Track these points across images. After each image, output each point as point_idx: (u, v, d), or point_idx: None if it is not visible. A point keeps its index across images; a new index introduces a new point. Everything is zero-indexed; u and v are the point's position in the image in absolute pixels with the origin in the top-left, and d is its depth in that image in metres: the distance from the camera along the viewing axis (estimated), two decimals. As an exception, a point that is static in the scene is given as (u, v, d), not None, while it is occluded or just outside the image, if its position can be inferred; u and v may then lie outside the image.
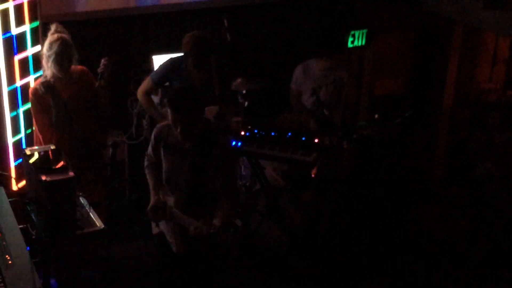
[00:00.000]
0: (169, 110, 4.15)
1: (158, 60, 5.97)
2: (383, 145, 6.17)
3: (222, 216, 4.20)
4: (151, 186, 4.45)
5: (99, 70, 4.99)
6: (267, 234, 5.99)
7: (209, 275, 4.52)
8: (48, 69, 4.83)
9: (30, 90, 4.89)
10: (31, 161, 4.14)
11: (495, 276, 5.60)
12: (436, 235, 6.27)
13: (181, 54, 5.50)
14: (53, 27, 4.86)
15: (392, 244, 5.95)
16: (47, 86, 4.84)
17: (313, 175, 5.82)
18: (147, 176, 4.52)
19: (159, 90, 5.82)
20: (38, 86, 4.85)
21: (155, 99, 5.92)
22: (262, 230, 5.95)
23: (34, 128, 5.03)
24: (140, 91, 5.56)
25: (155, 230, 4.49)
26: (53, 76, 4.84)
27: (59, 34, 4.81)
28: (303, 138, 5.50)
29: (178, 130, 4.13)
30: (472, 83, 7.64)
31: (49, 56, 4.78)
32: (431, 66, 7.74)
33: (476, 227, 6.27)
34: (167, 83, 5.56)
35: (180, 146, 4.25)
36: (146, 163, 4.55)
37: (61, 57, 4.77)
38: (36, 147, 4.36)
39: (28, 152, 4.24)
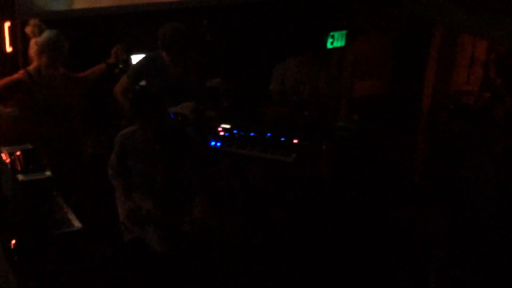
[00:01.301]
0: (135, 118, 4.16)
1: (137, 60, 5.94)
2: (362, 145, 6.19)
3: (200, 211, 4.22)
4: (121, 193, 4.40)
5: (110, 61, 5.14)
6: (247, 233, 5.98)
7: (196, 274, 4.54)
8: (42, 63, 4.83)
9: (12, 78, 4.86)
10: (8, 160, 4.10)
11: (476, 276, 5.64)
12: (416, 234, 6.30)
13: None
14: (34, 22, 4.86)
15: (372, 243, 5.97)
16: (32, 78, 4.84)
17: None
18: (115, 184, 4.45)
19: None
20: (23, 76, 4.84)
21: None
22: (242, 229, 5.94)
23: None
24: (117, 91, 5.49)
25: (128, 236, 4.42)
26: (44, 70, 4.84)
27: (57, 31, 4.85)
28: (282, 139, 5.50)
29: (149, 134, 4.13)
30: (450, 85, 7.69)
31: (52, 52, 4.78)
32: (410, 67, 7.78)
33: (457, 227, 6.31)
34: (143, 82, 5.53)
35: (149, 149, 4.24)
36: (110, 172, 4.47)
37: (62, 54, 4.80)
38: (12, 147, 4.33)
39: (4, 151, 4.20)
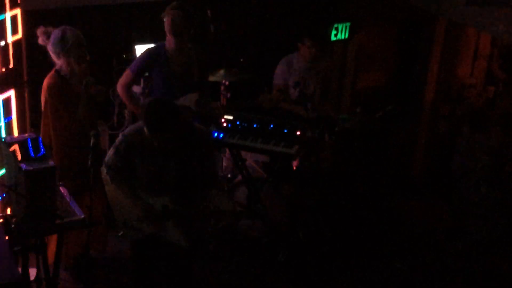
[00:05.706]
0: (145, 129, 4.11)
1: (141, 50, 5.92)
2: (364, 138, 6.19)
3: (219, 200, 4.24)
4: (129, 195, 4.28)
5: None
6: (248, 225, 6.00)
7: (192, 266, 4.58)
8: (64, 62, 4.77)
9: (49, 84, 4.80)
10: (11, 149, 4.10)
11: (476, 268, 5.66)
12: (416, 227, 6.32)
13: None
14: (41, 31, 4.80)
15: (372, 236, 5.99)
16: (64, 78, 4.80)
17: (294, 168, 5.83)
18: (119, 186, 4.31)
19: (141, 80, 5.80)
20: (57, 80, 4.79)
21: (138, 89, 5.90)
22: (243, 221, 5.95)
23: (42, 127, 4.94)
24: (119, 85, 5.41)
25: (136, 235, 4.34)
26: (69, 69, 4.78)
27: (69, 27, 4.78)
28: (285, 130, 5.50)
29: (159, 143, 4.11)
30: (454, 78, 7.68)
31: (68, 49, 4.71)
32: (413, 60, 7.77)
33: (457, 219, 6.33)
34: (146, 74, 5.51)
35: (161, 148, 4.18)
36: (111, 173, 4.33)
37: (81, 49, 4.75)
38: (15, 136, 4.33)
39: (7, 140, 4.20)
